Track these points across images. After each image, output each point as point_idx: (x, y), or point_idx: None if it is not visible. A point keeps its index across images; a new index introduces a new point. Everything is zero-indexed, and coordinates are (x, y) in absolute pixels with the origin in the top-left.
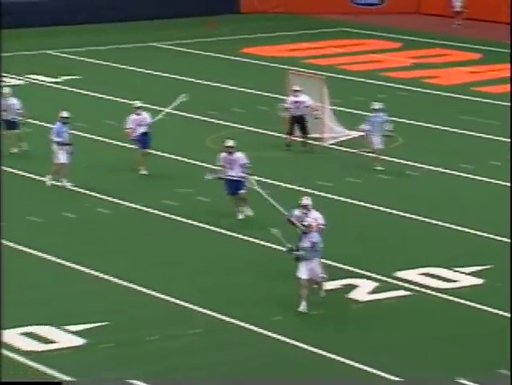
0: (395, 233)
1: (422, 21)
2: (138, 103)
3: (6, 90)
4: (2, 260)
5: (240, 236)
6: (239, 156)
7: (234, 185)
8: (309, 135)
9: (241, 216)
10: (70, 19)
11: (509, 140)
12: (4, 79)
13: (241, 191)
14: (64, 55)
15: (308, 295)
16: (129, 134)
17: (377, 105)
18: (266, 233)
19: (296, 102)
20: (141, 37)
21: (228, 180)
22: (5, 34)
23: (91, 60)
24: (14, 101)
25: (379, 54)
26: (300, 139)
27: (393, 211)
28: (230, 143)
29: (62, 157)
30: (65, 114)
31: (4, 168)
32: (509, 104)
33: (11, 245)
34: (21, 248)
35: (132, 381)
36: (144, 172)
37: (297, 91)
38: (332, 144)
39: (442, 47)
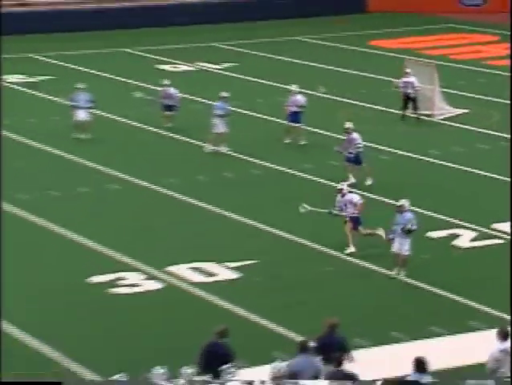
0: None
1: None
2: (294, 87)
3: (165, 81)
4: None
5: None
6: (351, 196)
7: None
8: (419, 111)
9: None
10: (234, 17)
11: None
12: (178, 65)
13: (360, 227)
14: (226, 47)
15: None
16: (286, 111)
17: None
18: None
19: (406, 82)
20: (288, 32)
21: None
22: (185, 30)
23: (247, 51)
24: (172, 90)
25: (481, 46)
26: (412, 114)
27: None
28: (348, 124)
29: (221, 127)
30: (224, 94)
31: (173, 135)
32: None
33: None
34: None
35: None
36: (287, 141)
37: (407, 73)
38: (441, 119)
39: None
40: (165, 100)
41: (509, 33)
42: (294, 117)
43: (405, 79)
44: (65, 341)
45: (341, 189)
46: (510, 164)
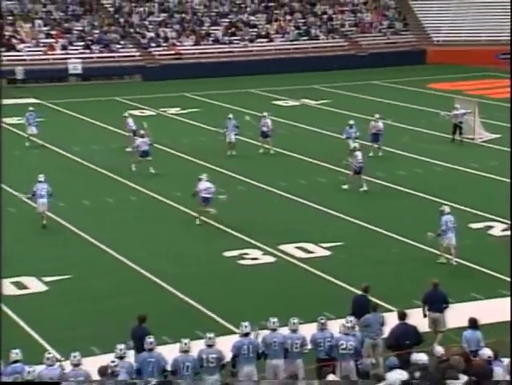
0: None
1: None
2: (376, 116)
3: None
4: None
5: None
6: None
7: None
8: (464, 136)
9: None
10: (326, 67)
11: None
12: (286, 100)
13: None
14: (323, 88)
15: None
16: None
17: None
18: None
19: (455, 114)
20: (365, 78)
21: None
22: (292, 76)
23: (337, 91)
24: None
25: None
26: (458, 138)
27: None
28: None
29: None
30: (351, 122)
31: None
32: None
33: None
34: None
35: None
36: (371, 155)
37: (455, 108)
38: (480, 142)
39: None
40: (263, 128)
41: None
42: (375, 138)
43: (455, 112)
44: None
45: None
46: (510, 165)
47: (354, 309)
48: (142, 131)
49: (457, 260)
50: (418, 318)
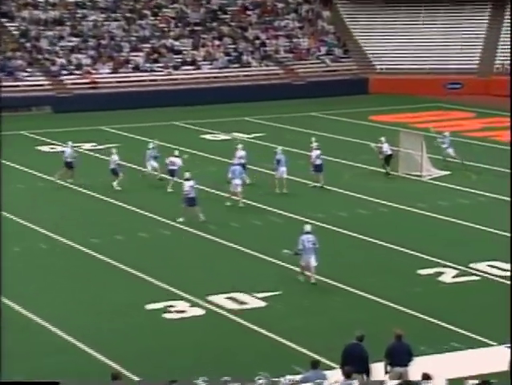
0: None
1: (490, 99)
2: (315, 144)
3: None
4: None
5: None
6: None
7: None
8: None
9: None
10: (259, 97)
11: None
12: (215, 134)
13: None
14: (255, 121)
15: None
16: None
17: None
18: None
19: (381, 148)
20: (303, 109)
21: None
22: (221, 107)
23: (271, 123)
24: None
25: (460, 120)
26: (385, 171)
27: (460, 221)
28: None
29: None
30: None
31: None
32: None
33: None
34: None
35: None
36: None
37: (380, 140)
38: (428, 179)
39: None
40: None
41: (483, 110)
42: (318, 168)
43: (379, 145)
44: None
45: None
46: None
47: (347, 359)
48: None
49: (401, 308)
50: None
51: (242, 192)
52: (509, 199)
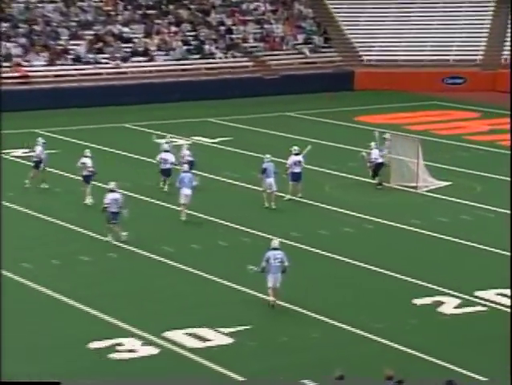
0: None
1: (496, 96)
2: (296, 149)
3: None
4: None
5: None
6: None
7: None
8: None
9: None
10: (224, 94)
11: None
12: (176, 139)
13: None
14: (220, 122)
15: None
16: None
17: None
18: None
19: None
20: (277, 108)
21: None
22: (179, 105)
23: (239, 125)
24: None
25: (463, 122)
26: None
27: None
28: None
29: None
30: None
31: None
32: None
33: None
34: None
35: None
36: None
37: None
38: (425, 191)
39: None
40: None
41: (490, 110)
42: (296, 176)
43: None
44: None
45: None
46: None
47: None
48: None
49: (392, 344)
50: None
51: (187, 205)
52: None
